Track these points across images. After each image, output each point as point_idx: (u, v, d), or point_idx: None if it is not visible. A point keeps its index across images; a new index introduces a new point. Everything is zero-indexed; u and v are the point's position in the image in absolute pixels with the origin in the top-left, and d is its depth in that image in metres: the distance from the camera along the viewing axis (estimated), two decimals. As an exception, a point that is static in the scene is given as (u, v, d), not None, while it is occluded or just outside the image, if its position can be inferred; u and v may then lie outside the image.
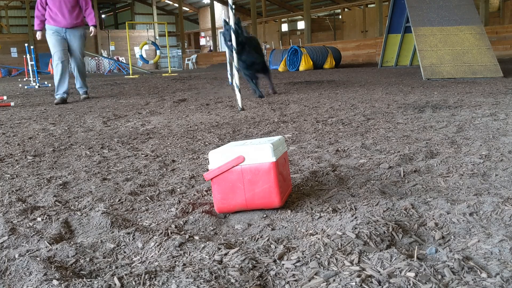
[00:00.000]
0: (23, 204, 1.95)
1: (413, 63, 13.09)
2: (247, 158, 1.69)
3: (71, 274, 1.26)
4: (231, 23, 5.12)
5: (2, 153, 3.12)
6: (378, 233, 1.34)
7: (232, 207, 1.73)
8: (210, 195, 1.96)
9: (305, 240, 1.38)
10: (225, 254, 1.31)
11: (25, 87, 11.04)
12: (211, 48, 30.63)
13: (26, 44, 15.00)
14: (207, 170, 1.89)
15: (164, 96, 7.40)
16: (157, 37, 31.70)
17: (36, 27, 6.76)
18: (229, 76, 9.31)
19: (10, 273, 1.29)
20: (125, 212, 1.83)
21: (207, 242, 1.41)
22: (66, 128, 4.26)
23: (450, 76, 7.97)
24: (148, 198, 1.99)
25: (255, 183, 1.69)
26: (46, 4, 6.75)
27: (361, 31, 25.75)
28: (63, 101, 6.75)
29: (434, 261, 1.23)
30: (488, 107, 4.17)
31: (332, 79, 9.96)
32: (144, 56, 21.05)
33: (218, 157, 1.72)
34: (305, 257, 1.26)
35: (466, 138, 2.83)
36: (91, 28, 7.02)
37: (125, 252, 1.43)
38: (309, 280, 1.16)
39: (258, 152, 1.68)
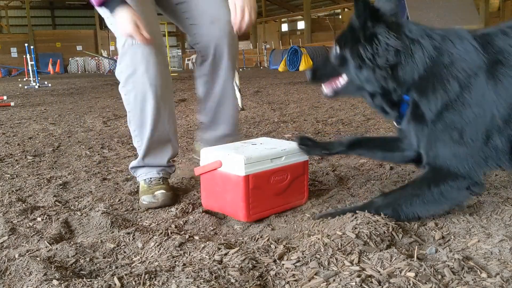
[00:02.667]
0: (23, 204, 1.94)
1: (413, 63, 13.08)
2: (223, 165, 1.63)
3: (71, 274, 1.26)
4: None
5: (2, 153, 3.12)
6: (378, 233, 1.34)
7: (211, 207, 1.74)
8: (210, 195, 1.96)
9: (305, 240, 1.38)
10: (225, 254, 1.31)
11: (25, 87, 11.04)
12: (211, 48, 30.62)
13: (26, 44, 14.99)
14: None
15: (164, 96, 7.39)
16: (157, 37, 31.64)
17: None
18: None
19: (10, 273, 1.29)
20: (125, 212, 1.83)
21: (207, 242, 1.41)
22: (66, 128, 4.26)
23: (450, 76, 7.97)
24: (148, 198, 1.98)
25: (227, 191, 1.64)
26: None
27: (361, 31, 25.73)
28: (167, 201, 1.85)
29: (434, 261, 1.23)
30: (488, 107, 4.16)
31: (332, 79, 9.95)
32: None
33: (207, 155, 1.70)
34: (305, 257, 1.26)
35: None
36: None
37: (125, 252, 1.43)
38: (309, 280, 1.16)
39: (232, 162, 1.59)
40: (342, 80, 1.48)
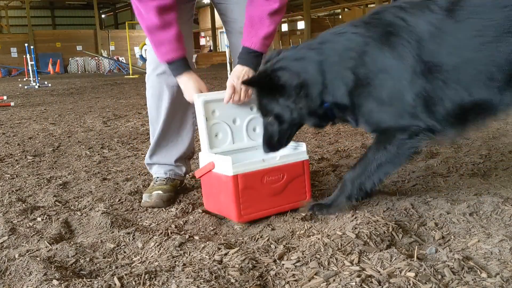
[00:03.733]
0: (23, 204, 1.94)
1: (413, 63, 13.06)
2: (216, 166, 1.63)
3: (71, 274, 1.26)
4: None
5: (2, 153, 3.12)
6: (378, 233, 1.34)
7: (211, 209, 1.73)
8: (210, 195, 1.96)
9: (305, 240, 1.38)
10: (225, 254, 1.31)
11: (25, 87, 11.04)
12: (211, 48, 30.64)
13: (26, 44, 14.98)
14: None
15: (164, 96, 7.39)
16: (157, 37, 31.55)
17: (170, 55, 1.71)
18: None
19: (10, 273, 1.29)
20: (125, 212, 1.83)
21: (207, 242, 1.41)
22: (66, 128, 4.26)
23: (450, 76, 7.96)
24: (148, 198, 1.98)
25: (220, 192, 1.64)
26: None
27: (361, 31, 25.76)
28: (159, 203, 1.87)
29: (434, 261, 1.23)
30: (488, 107, 4.16)
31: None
32: (144, 56, 21.02)
33: (203, 158, 1.71)
34: (305, 257, 1.26)
35: (466, 138, 2.83)
36: None
37: (125, 252, 1.43)
38: (309, 280, 1.16)
39: (222, 163, 1.60)
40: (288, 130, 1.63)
